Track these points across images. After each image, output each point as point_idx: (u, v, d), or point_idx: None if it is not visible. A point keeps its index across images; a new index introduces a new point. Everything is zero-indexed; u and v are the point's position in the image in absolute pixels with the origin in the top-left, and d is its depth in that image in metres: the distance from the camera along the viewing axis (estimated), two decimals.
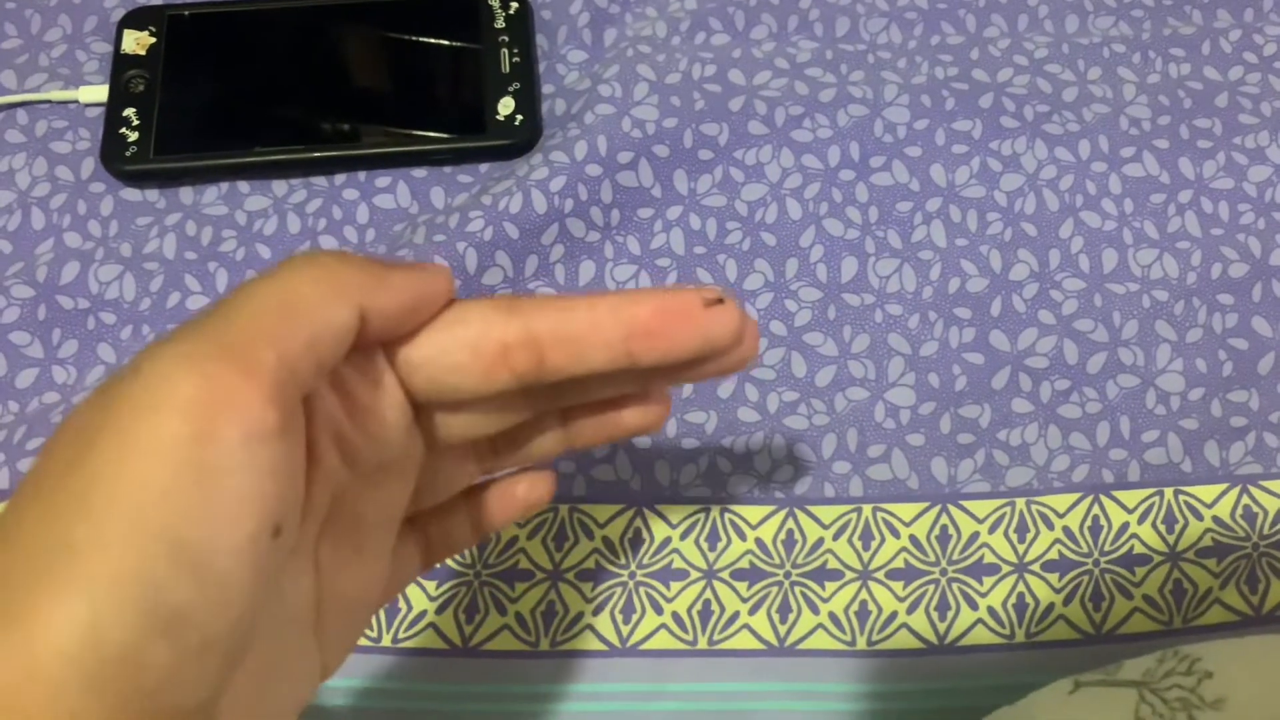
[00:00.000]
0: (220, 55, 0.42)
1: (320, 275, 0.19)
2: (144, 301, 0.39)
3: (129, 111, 0.40)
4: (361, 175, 0.41)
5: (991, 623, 0.35)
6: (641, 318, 0.21)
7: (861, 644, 0.35)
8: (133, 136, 0.40)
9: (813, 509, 0.36)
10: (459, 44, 0.43)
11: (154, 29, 0.42)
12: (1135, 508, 0.36)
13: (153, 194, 0.40)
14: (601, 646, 0.34)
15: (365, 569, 0.23)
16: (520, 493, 0.26)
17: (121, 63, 0.41)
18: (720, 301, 0.22)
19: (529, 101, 0.41)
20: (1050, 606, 0.35)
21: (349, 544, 0.22)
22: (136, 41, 0.42)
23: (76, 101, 0.41)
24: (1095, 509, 0.36)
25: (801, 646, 0.35)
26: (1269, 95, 0.43)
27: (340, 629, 0.22)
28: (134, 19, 0.42)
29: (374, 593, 0.23)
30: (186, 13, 0.43)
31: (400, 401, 0.22)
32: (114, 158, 0.40)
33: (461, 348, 0.21)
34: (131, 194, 0.40)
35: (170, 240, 0.40)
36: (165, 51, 0.42)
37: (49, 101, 0.42)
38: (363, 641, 0.34)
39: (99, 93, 0.41)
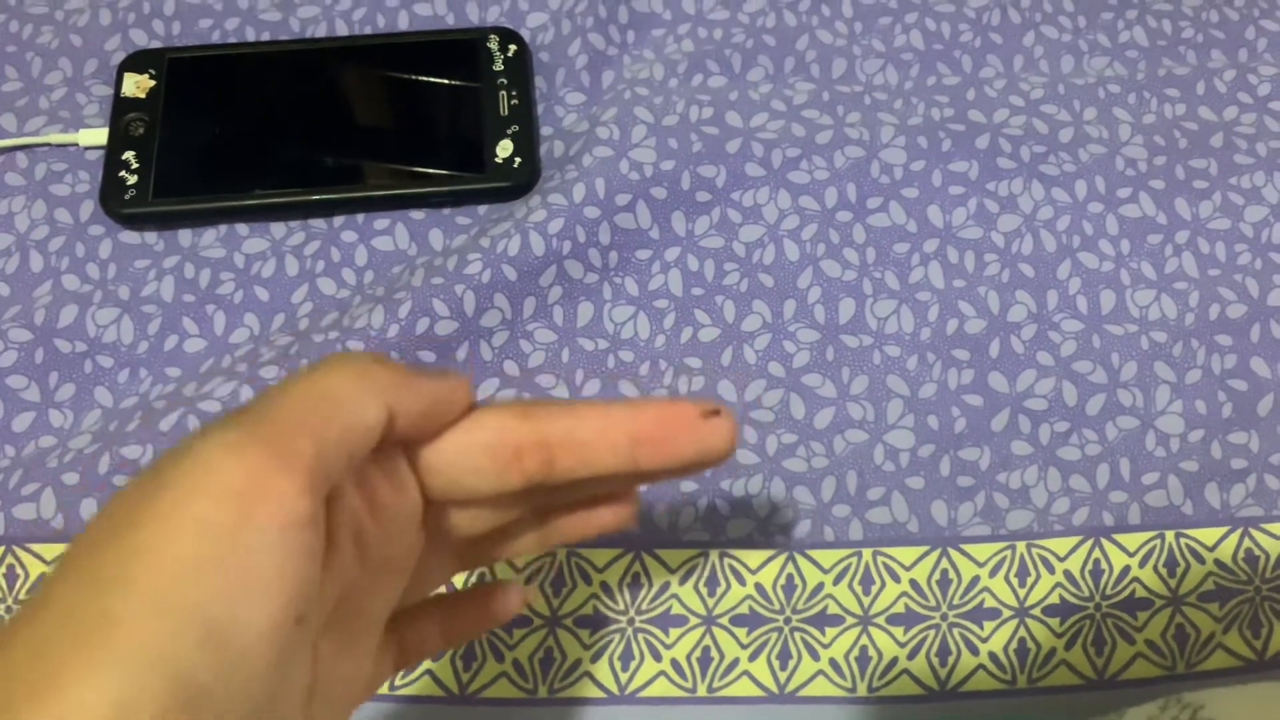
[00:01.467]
0: (219, 98, 0.42)
1: (355, 373, 0.21)
2: (141, 344, 0.39)
3: (128, 155, 0.41)
4: (360, 217, 0.41)
5: (993, 668, 0.35)
6: (646, 426, 0.23)
7: (862, 690, 0.34)
8: (132, 179, 0.40)
9: (812, 553, 0.36)
10: (457, 86, 0.43)
11: (154, 72, 0.42)
12: (1136, 551, 0.36)
13: (151, 236, 0.40)
14: (600, 694, 0.34)
15: (355, 665, 0.23)
16: (493, 605, 0.27)
17: (121, 106, 0.42)
18: (716, 413, 0.23)
19: (527, 144, 0.41)
20: (1052, 651, 0.35)
21: (346, 639, 0.23)
22: (136, 84, 0.42)
23: (76, 144, 0.42)
24: (1096, 552, 0.36)
25: (802, 694, 0.34)
26: (1264, 135, 0.43)
27: None
28: (134, 62, 0.43)
29: (358, 690, 0.24)
30: (186, 55, 0.43)
31: (415, 500, 0.23)
32: (113, 200, 0.40)
33: (481, 451, 0.22)
34: (130, 237, 0.40)
35: (168, 283, 0.40)
36: (165, 94, 0.42)
37: (49, 144, 0.42)
38: None
39: (99, 136, 0.41)
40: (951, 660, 0.35)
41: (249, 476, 0.18)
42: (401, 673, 0.34)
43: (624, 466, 0.23)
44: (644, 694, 0.34)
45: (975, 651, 0.35)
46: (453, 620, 0.27)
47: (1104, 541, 0.36)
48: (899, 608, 0.35)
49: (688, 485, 0.37)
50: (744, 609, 0.35)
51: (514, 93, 0.42)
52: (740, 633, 0.35)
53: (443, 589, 0.27)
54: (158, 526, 0.18)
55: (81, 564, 0.18)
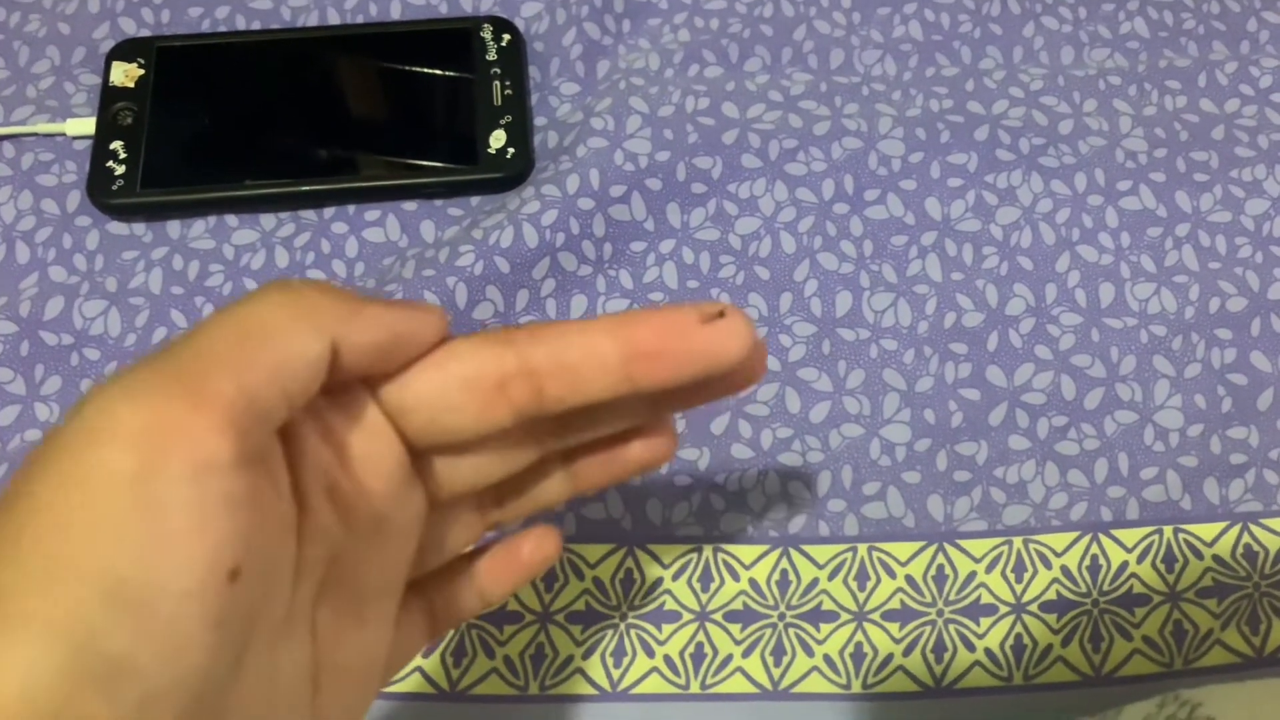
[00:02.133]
0: (209, 88, 0.42)
1: (288, 301, 0.18)
2: (129, 337, 0.38)
3: (116, 144, 0.40)
4: (351, 209, 0.41)
5: (989, 665, 0.34)
6: (638, 339, 0.20)
7: (857, 687, 0.34)
8: (119, 170, 0.40)
9: (807, 548, 0.36)
10: (450, 76, 0.42)
11: (143, 61, 0.42)
12: (1134, 546, 0.36)
13: (139, 228, 0.40)
14: (592, 691, 0.34)
15: (367, 639, 0.21)
16: (526, 553, 0.25)
17: (109, 95, 0.41)
18: (722, 315, 0.20)
19: (521, 134, 0.41)
20: (1049, 648, 0.34)
21: (349, 610, 0.21)
22: (125, 74, 0.42)
23: (63, 134, 0.41)
24: (1094, 548, 0.36)
25: (796, 690, 0.34)
26: (1266, 128, 0.43)
27: (341, 706, 0.21)
28: (122, 51, 0.42)
29: (377, 666, 0.22)
30: (176, 44, 0.42)
31: (395, 449, 0.21)
32: (100, 191, 0.39)
33: (456, 386, 0.20)
34: (118, 228, 0.40)
35: (156, 275, 0.39)
36: (154, 84, 0.41)
37: (35, 134, 0.41)
38: None
39: (86, 125, 0.41)
40: (947, 657, 0.34)
41: (154, 419, 0.16)
42: None
43: (622, 388, 0.20)
44: (636, 691, 0.34)
45: (971, 648, 0.34)
46: (487, 577, 0.25)
47: (1102, 537, 0.36)
48: (894, 604, 0.35)
49: (681, 479, 0.36)
50: (738, 605, 0.35)
51: (507, 83, 0.42)
52: (734, 629, 0.35)
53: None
54: (50, 483, 0.16)
55: None
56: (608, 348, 0.20)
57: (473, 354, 0.20)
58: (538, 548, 0.25)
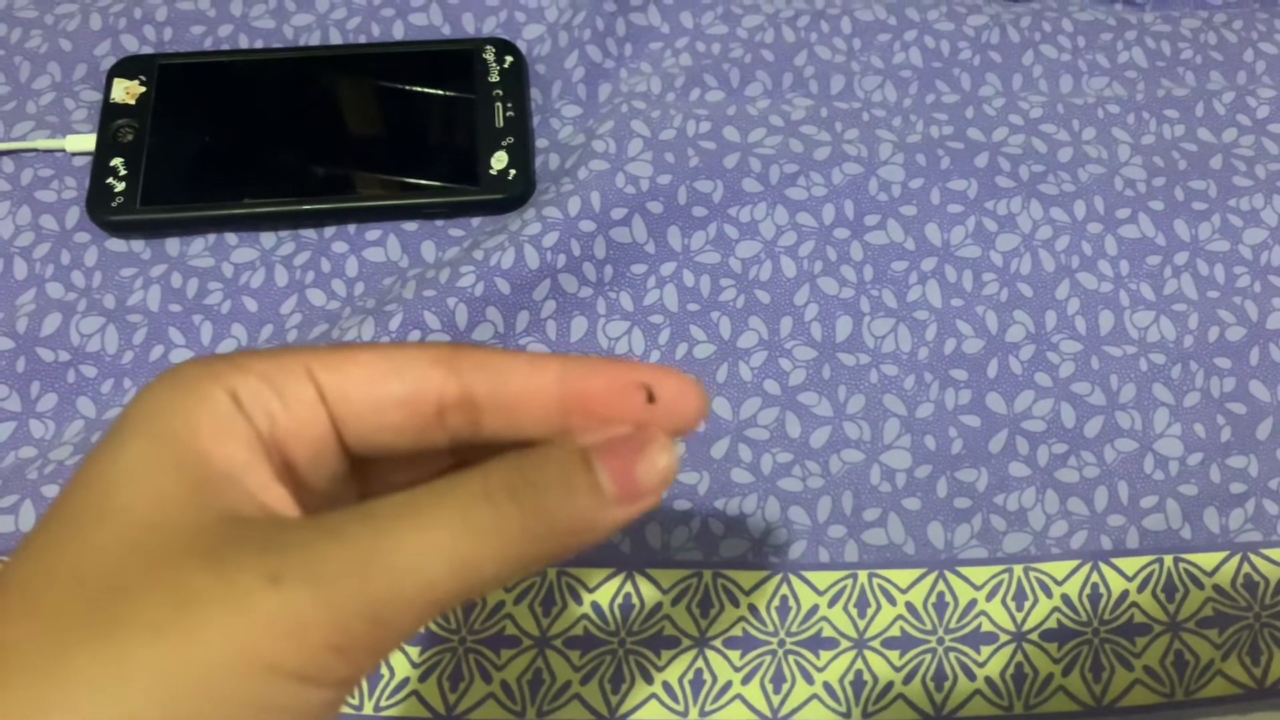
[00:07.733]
0: (210, 105, 0.42)
1: (464, 530, 0.19)
2: (126, 355, 0.38)
3: (116, 161, 0.40)
4: (351, 228, 0.40)
5: (990, 694, 0.34)
6: (581, 395, 0.21)
7: (857, 715, 0.34)
8: (119, 186, 0.39)
9: (807, 574, 0.36)
10: (452, 97, 0.42)
11: (144, 78, 0.42)
12: (1135, 575, 0.36)
13: (138, 245, 0.40)
14: (590, 717, 0.33)
15: None
16: None
17: (110, 112, 0.41)
18: (651, 400, 0.21)
19: (522, 156, 0.41)
20: (1049, 677, 0.34)
21: None
22: (126, 90, 0.41)
23: (63, 150, 0.41)
24: (1094, 576, 0.36)
25: (796, 718, 0.34)
26: (1263, 158, 0.43)
27: None
28: (124, 68, 0.42)
29: None
30: (178, 62, 0.42)
31: (338, 452, 0.21)
32: (99, 208, 0.39)
33: (397, 407, 0.20)
34: (117, 245, 0.40)
35: (154, 292, 0.39)
36: (155, 101, 0.41)
37: (35, 150, 0.41)
38: (344, 709, 0.33)
39: (86, 142, 0.41)
40: (948, 685, 0.34)
41: (276, 627, 0.17)
42: (387, 693, 0.33)
43: (555, 432, 0.21)
44: (635, 717, 0.33)
45: (972, 677, 0.34)
46: None
47: (1102, 565, 0.36)
48: (895, 631, 0.35)
49: (681, 503, 0.36)
50: (737, 631, 0.35)
51: (509, 104, 0.42)
52: (733, 655, 0.34)
53: None
54: (165, 637, 0.17)
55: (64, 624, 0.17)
56: (550, 394, 0.21)
57: (417, 376, 0.20)
58: None
